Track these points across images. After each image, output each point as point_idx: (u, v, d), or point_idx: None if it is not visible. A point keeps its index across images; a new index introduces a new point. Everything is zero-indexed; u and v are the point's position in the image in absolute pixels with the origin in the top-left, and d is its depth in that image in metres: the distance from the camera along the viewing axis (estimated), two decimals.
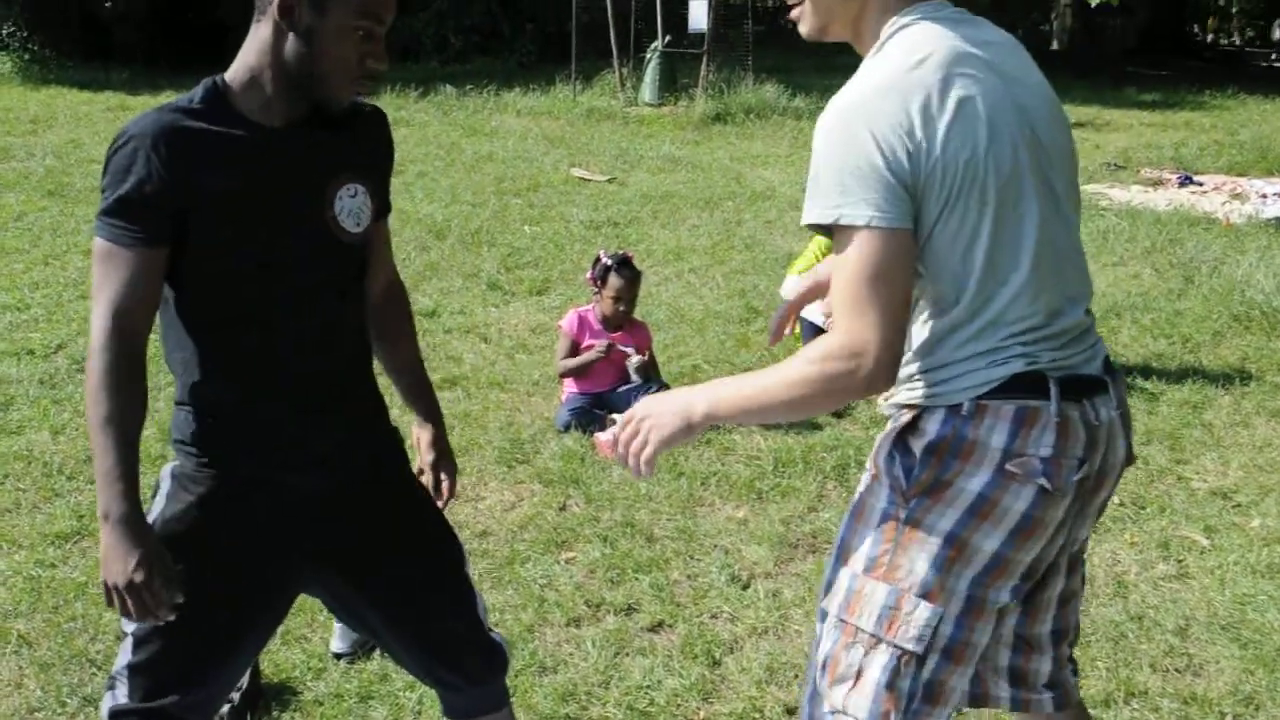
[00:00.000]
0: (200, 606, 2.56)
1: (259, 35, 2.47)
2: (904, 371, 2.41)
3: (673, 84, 18.92)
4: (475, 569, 4.55)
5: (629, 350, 6.25)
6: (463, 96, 18.76)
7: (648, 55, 19.06)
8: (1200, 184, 13.28)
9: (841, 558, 2.48)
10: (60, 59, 22.40)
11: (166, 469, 2.67)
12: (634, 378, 6.23)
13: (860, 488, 2.51)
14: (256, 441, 2.61)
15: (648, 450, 2.42)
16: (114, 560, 2.41)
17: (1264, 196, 12.41)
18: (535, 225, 10.57)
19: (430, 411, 3.06)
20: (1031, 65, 2.48)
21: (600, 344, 6.18)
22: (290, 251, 2.55)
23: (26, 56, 22.67)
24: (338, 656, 3.96)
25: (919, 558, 2.36)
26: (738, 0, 22.03)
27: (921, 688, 2.40)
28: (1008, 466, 2.29)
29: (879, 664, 2.39)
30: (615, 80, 19.47)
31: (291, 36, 2.43)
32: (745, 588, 4.47)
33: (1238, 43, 47.63)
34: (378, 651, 3.92)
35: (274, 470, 2.63)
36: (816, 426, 5.94)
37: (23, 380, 6.41)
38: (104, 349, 2.41)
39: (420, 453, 3.03)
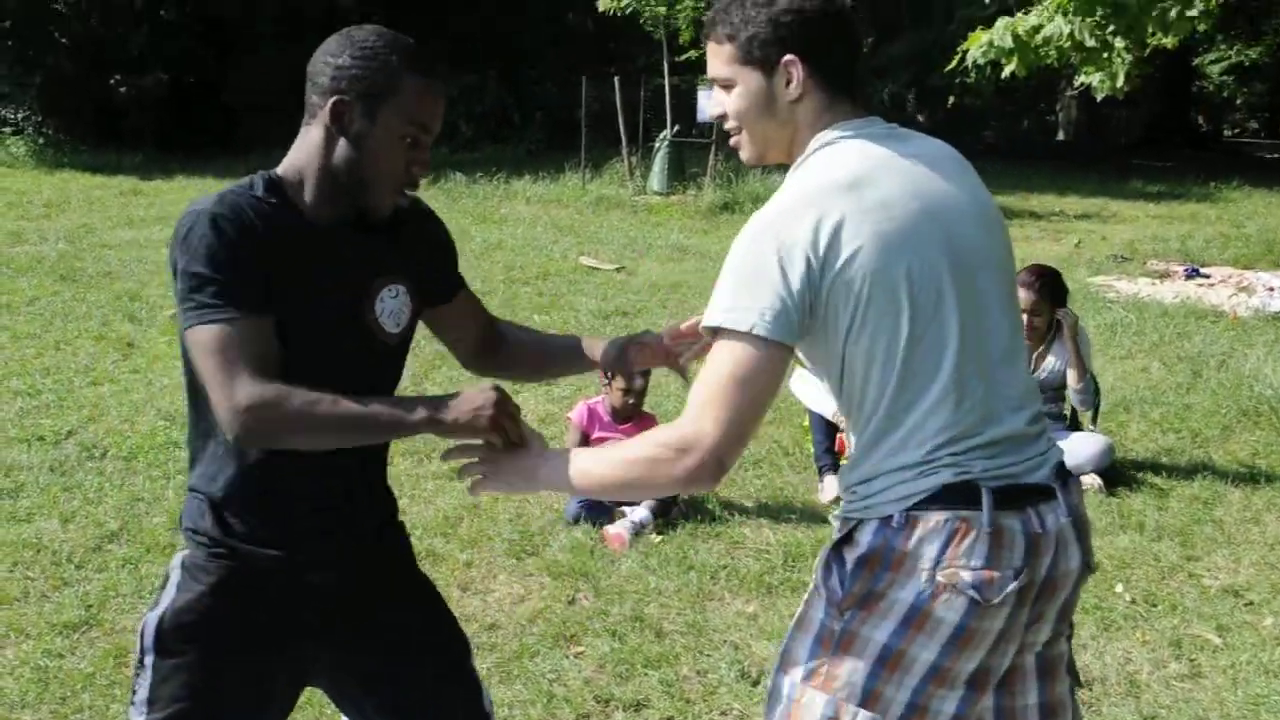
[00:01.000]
0: (213, 698, 2.56)
1: (309, 137, 2.51)
2: (844, 482, 2.47)
3: (681, 173, 19.08)
4: (484, 663, 4.53)
5: None
6: (472, 184, 18.92)
7: (656, 144, 19.23)
8: (1207, 276, 13.33)
9: (783, 666, 2.50)
10: (73, 143, 22.65)
11: (175, 559, 2.66)
12: None
13: (805, 597, 2.53)
14: (271, 534, 2.61)
15: (481, 487, 2.57)
16: (464, 403, 2.48)
17: (1271, 289, 12.45)
18: (544, 314, 10.61)
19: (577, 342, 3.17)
20: (963, 174, 2.53)
21: (611, 440, 6.18)
22: (329, 350, 2.56)
23: (40, 140, 22.92)
24: None
25: (856, 667, 2.36)
26: None
27: None
28: (938, 578, 2.30)
29: None
30: (624, 169, 19.62)
31: (342, 141, 2.47)
32: (755, 684, 4.44)
33: (1235, 133, 47.93)
34: None
35: (287, 563, 2.62)
36: (825, 520, 5.93)
37: (33, 467, 6.41)
38: (265, 399, 2.36)
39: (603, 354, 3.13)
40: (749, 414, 2.31)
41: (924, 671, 2.34)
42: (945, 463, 2.33)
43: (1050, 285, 6.67)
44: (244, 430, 2.37)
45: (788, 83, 2.46)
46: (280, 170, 2.54)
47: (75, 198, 16.56)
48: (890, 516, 2.33)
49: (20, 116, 23.72)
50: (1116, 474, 6.66)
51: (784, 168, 2.58)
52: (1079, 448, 6.62)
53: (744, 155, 2.62)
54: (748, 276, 2.31)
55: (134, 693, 2.63)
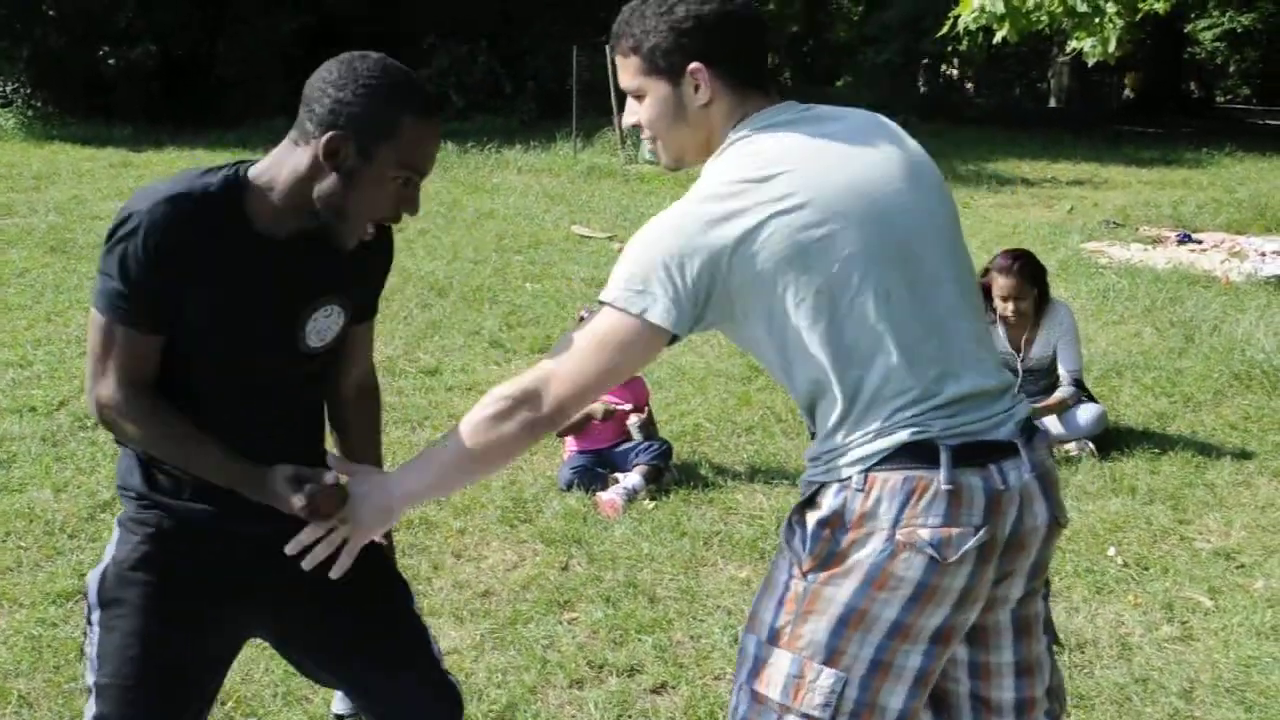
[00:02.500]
0: (157, 649, 2.58)
1: (296, 158, 2.48)
2: (808, 452, 2.49)
3: None
4: (477, 629, 4.55)
5: (625, 407, 6.25)
6: (464, 154, 18.87)
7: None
8: (1199, 242, 13.34)
9: (751, 627, 2.53)
10: (63, 115, 22.55)
11: (117, 517, 2.71)
12: (635, 435, 6.23)
13: (773, 560, 2.56)
14: (197, 489, 2.61)
15: (346, 556, 2.62)
16: (262, 494, 2.56)
17: (1262, 254, 12.46)
18: (537, 283, 10.60)
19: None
20: (888, 139, 2.55)
21: (596, 405, 6.18)
22: (253, 357, 2.60)
23: (30, 113, 22.83)
24: (339, 718, 3.94)
25: (819, 626, 2.39)
26: None
27: None
28: (897, 536, 2.32)
29: None
30: (616, 138, 19.59)
31: (330, 174, 2.44)
32: None
33: (1228, 100, 47.92)
34: None
35: (216, 516, 2.63)
36: None
37: (25, 437, 6.41)
38: (125, 404, 2.49)
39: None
40: (599, 373, 2.42)
41: (887, 628, 2.36)
42: (904, 423, 2.34)
43: (1028, 267, 6.66)
44: (97, 418, 2.54)
45: (695, 89, 2.50)
46: (252, 173, 2.52)
47: (65, 170, 16.50)
48: (849, 478, 2.36)
49: (9, 89, 23.62)
50: (1109, 438, 6.68)
51: None
52: (1072, 414, 6.64)
53: (663, 161, 2.66)
54: (646, 264, 2.37)
55: (84, 654, 2.66)
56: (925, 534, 2.31)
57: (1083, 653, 4.46)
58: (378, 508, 2.59)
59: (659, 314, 2.35)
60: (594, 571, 5.05)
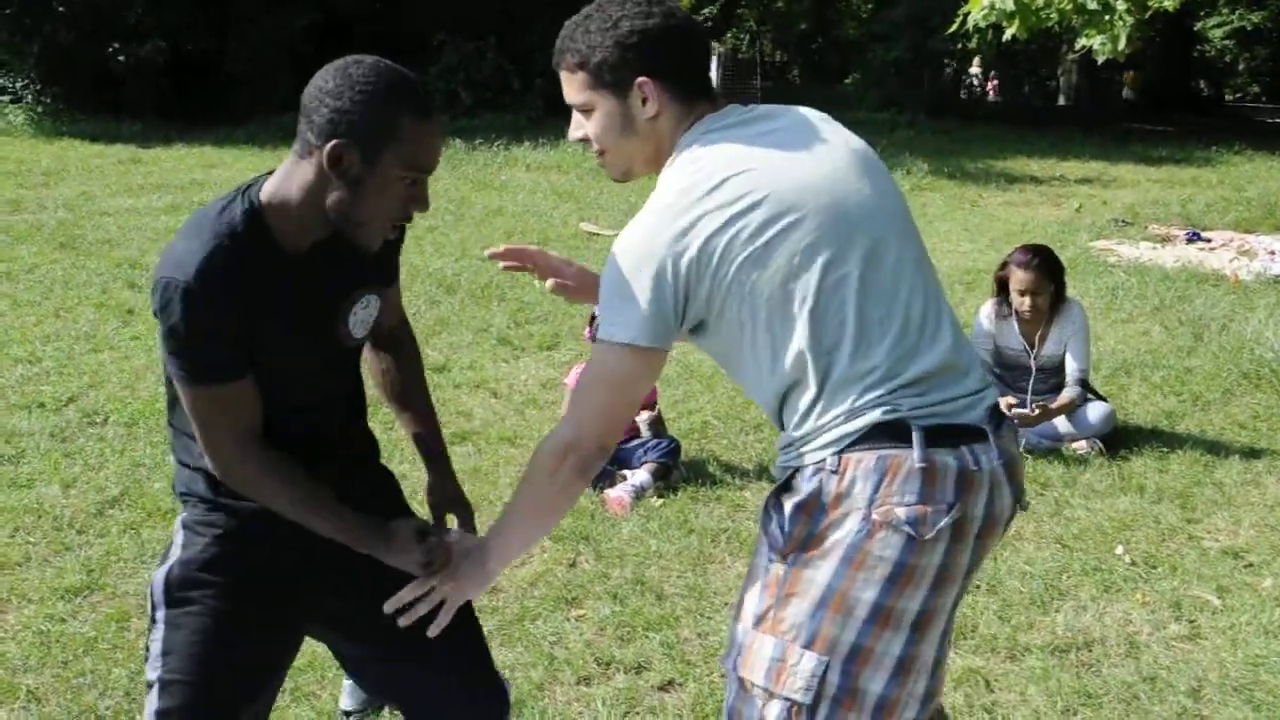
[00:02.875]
0: (223, 646, 2.61)
1: (301, 173, 2.49)
2: (780, 441, 2.55)
3: None
4: (485, 625, 4.53)
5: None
6: (472, 151, 18.87)
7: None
8: (1208, 240, 13.31)
9: (736, 615, 2.58)
10: (72, 112, 22.56)
11: (177, 521, 2.76)
12: (643, 432, 6.23)
13: (754, 548, 2.61)
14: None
15: (445, 614, 2.77)
16: (400, 553, 2.71)
17: (1272, 253, 12.43)
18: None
19: (439, 460, 3.17)
20: (831, 131, 2.62)
21: None
22: (301, 356, 2.66)
23: (39, 109, 22.85)
24: (347, 714, 3.94)
25: (800, 609, 2.44)
26: (746, 56, 22.17)
27: None
28: (873, 516, 2.36)
29: (773, 716, 2.47)
30: None
31: (338, 183, 2.46)
32: None
33: (1237, 98, 47.81)
34: (386, 710, 3.91)
35: (277, 516, 2.66)
36: None
37: (34, 433, 6.42)
38: (250, 462, 2.58)
39: (430, 499, 3.15)
40: (618, 409, 2.53)
41: (868, 613, 2.41)
42: (874, 403, 2.39)
43: (1047, 262, 6.65)
44: (238, 488, 2.63)
45: (643, 102, 2.56)
46: (264, 196, 2.54)
47: (74, 166, 16.51)
48: (823, 460, 2.40)
49: (19, 85, 23.63)
50: (1117, 436, 6.67)
51: None
52: (1081, 413, 6.63)
53: (612, 174, 2.74)
54: (621, 289, 2.43)
55: (147, 650, 2.68)
56: (901, 512, 2.36)
57: (1090, 651, 4.46)
58: (478, 573, 2.73)
59: (645, 336, 2.42)
60: (601, 568, 5.05)
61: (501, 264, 3.13)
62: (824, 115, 2.68)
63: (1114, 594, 4.92)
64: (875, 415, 2.38)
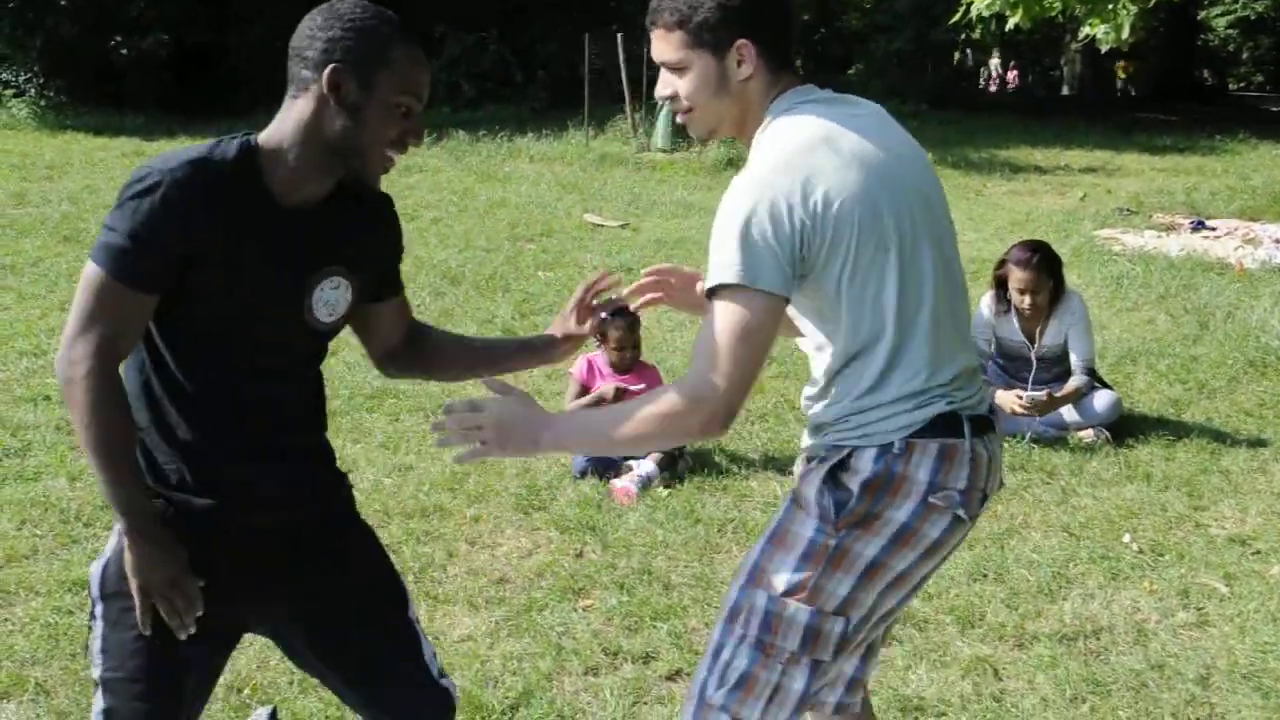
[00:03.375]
0: (159, 642, 2.58)
1: (297, 109, 2.50)
2: (833, 413, 2.60)
3: (684, 130, 18.99)
4: (492, 616, 4.55)
5: (637, 388, 6.25)
6: (476, 142, 18.86)
7: (660, 101, 19.13)
8: (1213, 229, 13.29)
9: (756, 581, 2.63)
10: (75, 105, 22.55)
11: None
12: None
13: (780, 516, 2.67)
14: (203, 479, 2.62)
15: (479, 454, 2.64)
16: (147, 566, 2.49)
17: (1277, 241, 12.41)
18: (549, 271, 10.60)
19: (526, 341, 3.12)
20: (902, 135, 2.71)
21: (607, 386, 6.19)
22: (261, 331, 2.61)
23: (42, 103, 22.84)
24: None
25: (844, 581, 2.55)
26: None
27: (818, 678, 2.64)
28: (931, 499, 2.52)
29: (800, 678, 2.60)
30: (628, 126, 19.59)
31: (335, 110, 2.47)
32: None
33: (1241, 87, 47.76)
34: None
35: (220, 507, 2.63)
36: None
37: (40, 426, 6.42)
38: (92, 375, 2.42)
39: (567, 324, 3.08)
40: (752, 364, 2.45)
41: (892, 577, 2.58)
42: (938, 394, 2.54)
43: (1046, 260, 6.65)
44: (61, 378, 2.46)
45: (739, 63, 2.59)
46: (263, 138, 2.54)
47: (78, 159, 16.51)
48: (891, 444, 2.51)
49: (22, 78, 23.63)
50: (1123, 425, 6.66)
51: None
52: (1088, 402, 6.63)
53: (695, 132, 2.74)
54: (740, 234, 2.43)
55: (88, 648, 2.66)
56: (956, 496, 2.52)
57: (1099, 639, 4.46)
58: (527, 432, 2.60)
59: (769, 280, 2.41)
60: (608, 559, 5.05)
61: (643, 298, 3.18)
62: (889, 115, 2.75)
63: (1121, 582, 4.91)
64: (940, 406, 2.53)
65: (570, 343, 3.05)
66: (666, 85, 2.67)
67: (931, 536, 2.54)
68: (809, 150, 2.47)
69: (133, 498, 2.48)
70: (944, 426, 2.52)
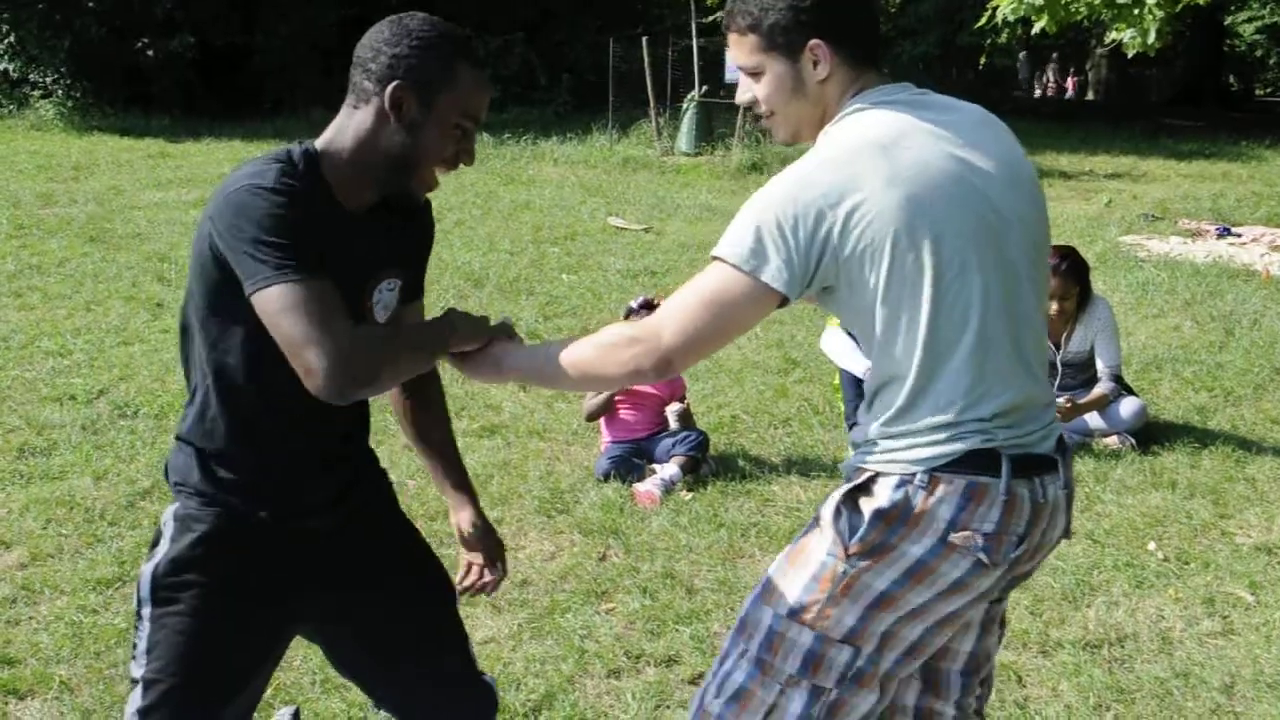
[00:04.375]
0: (207, 643, 2.60)
1: (356, 122, 2.52)
2: (864, 434, 2.53)
3: (709, 133, 19.02)
4: (515, 619, 4.55)
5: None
6: (500, 145, 18.89)
7: (684, 105, 19.16)
8: (1239, 235, 13.23)
9: (766, 596, 2.58)
10: (102, 106, 22.65)
11: (167, 513, 2.70)
12: (673, 424, 6.23)
13: (801, 534, 2.60)
14: (258, 485, 2.65)
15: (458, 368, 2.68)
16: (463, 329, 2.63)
17: None
18: (573, 274, 10.60)
19: (464, 491, 3.07)
20: (995, 136, 2.59)
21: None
22: None
23: (69, 104, 22.94)
24: (378, 707, 3.94)
25: (850, 610, 2.48)
26: None
27: (827, 710, 2.53)
28: (951, 538, 2.40)
29: (798, 700, 2.53)
30: (652, 130, 19.57)
31: (394, 126, 2.49)
32: None
33: (1268, 93, 47.53)
34: None
35: (271, 510, 2.66)
36: None
37: (65, 425, 6.45)
38: (356, 351, 2.37)
39: (460, 533, 3.08)
40: (711, 333, 2.41)
41: (907, 610, 2.47)
42: (973, 429, 2.41)
43: (1074, 266, 6.63)
44: (352, 376, 2.36)
45: (815, 64, 2.53)
46: (320, 144, 2.56)
47: (104, 160, 16.58)
48: (913, 474, 2.41)
49: (49, 79, 23.74)
50: (1149, 432, 6.63)
51: None
52: (1113, 408, 6.61)
53: (779, 137, 2.70)
54: (765, 221, 2.38)
55: (134, 647, 2.67)
56: (979, 540, 2.39)
57: (1123, 647, 4.44)
58: (490, 355, 2.64)
59: (770, 273, 2.36)
60: (631, 562, 5.05)
61: None
62: (995, 119, 2.64)
63: (1146, 590, 4.89)
64: (974, 442, 2.41)
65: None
66: (746, 90, 2.63)
67: (950, 577, 2.43)
68: (860, 154, 2.39)
69: (436, 339, 2.58)
70: (976, 463, 2.40)
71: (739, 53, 2.60)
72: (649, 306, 6.32)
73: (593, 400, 6.22)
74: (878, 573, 2.44)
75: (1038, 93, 40.88)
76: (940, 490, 2.40)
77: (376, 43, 2.50)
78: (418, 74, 2.47)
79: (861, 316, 2.45)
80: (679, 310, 2.41)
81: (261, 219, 2.36)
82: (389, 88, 2.46)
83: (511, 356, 2.63)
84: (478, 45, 2.57)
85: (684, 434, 6.15)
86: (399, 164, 2.52)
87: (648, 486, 5.75)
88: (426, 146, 2.51)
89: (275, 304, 2.35)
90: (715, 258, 2.42)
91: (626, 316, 6.28)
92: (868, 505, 2.45)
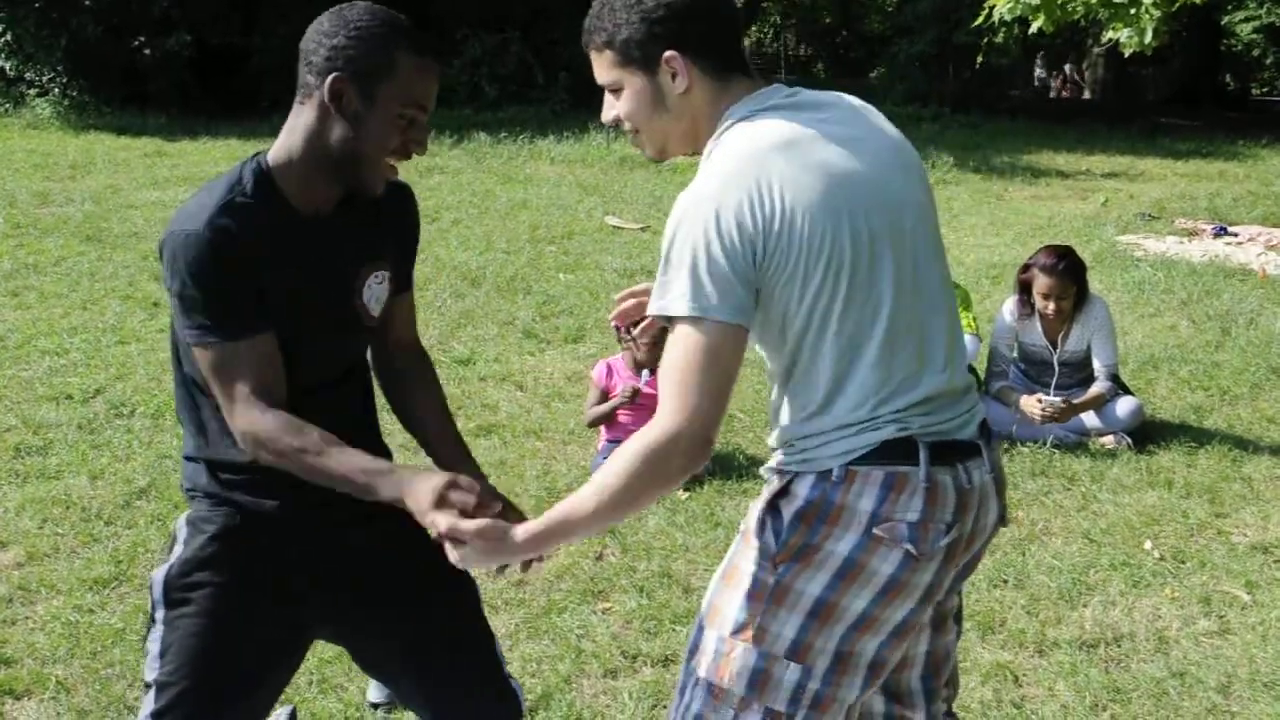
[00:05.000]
0: (221, 648, 2.59)
1: (303, 118, 2.52)
2: (779, 438, 2.50)
3: None
4: (512, 619, 4.55)
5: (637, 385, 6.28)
6: (496, 144, 18.86)
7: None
8: (1235, 235, 13.22)
9: (708, 620, 2.53)
10: (99, 105, 22.61)
11: (180, 519, 2.72)
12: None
13: (731, 550, 2.56)
14: (264, 488, 2.65)
15: (461, 561, 2.49)
16: (419, 499, 2.45)
17: None
18: (570, 273, 10.59)
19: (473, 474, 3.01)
20: (879, 125, 2.56)
21: (625, 387, 6.17)
22: (317, 336, 2.63)
23: (66, 102, 22.89)
24: (375, 706, 3.95)
25: (788, 621, 2.43)
26: (770, 50, 22.11)
27: None
28: (875, 530, 2.36)
29: None
30: None
31: (338, 120, 2.48)
32: None
33: (1264, 93, 47.56)
34: None
35: (283, 511, 2.66)
36: None
37: (61, 424, 6.44)
38: (281, 432, 2.45)
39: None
40: (718, 392, 2.32)
41: (853, 620, 2.42)
42: (887, 419, 2.39)
43: (1071, 266, 6.63)
44: (249, 449, 2.50)
45: (673, 77, 2.49)
46: (271, 157, 2.56)
47: (101, 159, 16.56)
48: (829, 470, 2.38)
49: (45, 78, 23.71)
50: (1145, 431, 6.64)
51: None
52: (1110, 408, 6.61)
53: (647, 153, 2.66)
54: (689, 259, 2.32)
55: (146, 651, 2.67)
56: (904, 529, 2.36)
57: (1119, 646, 4.45)
58: (494, 545, 2.49)
59: (722, 310, 2.30)
60: (628, 562, 5.05)
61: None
62: (869, 107, 2.61)
63: (1143, 589, 4.90)
64: (889, 432, 2.38)
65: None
66: (610, 108, 2.60)
67: (884, 573, 2.37)
68: (762, 158, 2.35)
69: (372, 486, 2.49)
70: (893, 453, 2.37)
71: (599, 70, 2.57)
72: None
73: (596, 410, 6.21)
74: (808, 578, 2.40)
75: (1053, 93, 40.71)
76: (858, 483, 2.37)
77: (317, 35, 2.49)
78: (357, 64, 2.45)
79: (773, 319, 2.40)
80: (685, 392, 2.30)
81: (187, 270, 2.40)
82: (327, 80, 2.44)
83: (524, 531, 2.47)
84: (424, 34, 2.54)
85: None
86: (346, 158, 2.50)
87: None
88: (371, 138, 2.49)
89: (199, 361, 2.47)
90: (672, 318, 2.33)
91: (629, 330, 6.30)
92: (787, 508, 2.42)
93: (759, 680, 2.43)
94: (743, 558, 2.49)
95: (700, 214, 2.34)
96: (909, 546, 2.36)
